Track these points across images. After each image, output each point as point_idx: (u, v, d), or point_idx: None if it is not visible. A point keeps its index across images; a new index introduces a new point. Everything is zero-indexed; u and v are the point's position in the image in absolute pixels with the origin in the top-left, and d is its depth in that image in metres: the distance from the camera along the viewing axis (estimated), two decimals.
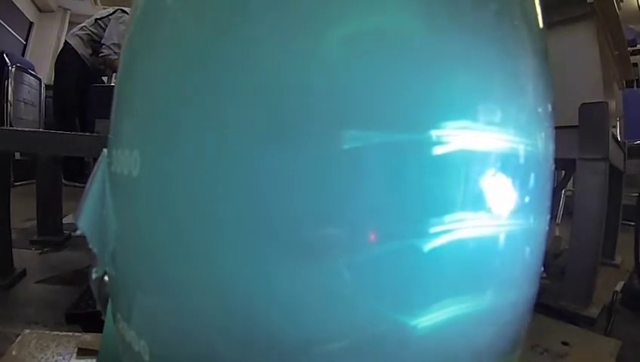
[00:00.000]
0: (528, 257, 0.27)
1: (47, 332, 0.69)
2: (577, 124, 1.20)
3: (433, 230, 0.23)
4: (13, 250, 1.30)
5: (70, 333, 0.68)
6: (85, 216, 0.30)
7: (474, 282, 0.25)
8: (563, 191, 2.27)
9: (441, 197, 0.23)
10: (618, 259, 1.85)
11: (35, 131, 1.87)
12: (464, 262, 0.24)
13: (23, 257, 1.41)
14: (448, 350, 0.25)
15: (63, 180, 1.95)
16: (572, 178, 2.25)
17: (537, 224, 0.27)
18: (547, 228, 0.30)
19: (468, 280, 0.25)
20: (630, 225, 2.59)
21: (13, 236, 1.35)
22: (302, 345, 0.23)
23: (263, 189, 0.22)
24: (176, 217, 0.24)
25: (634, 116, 2.60)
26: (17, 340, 0.65)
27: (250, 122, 0.22)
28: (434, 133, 0.23)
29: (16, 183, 2.99)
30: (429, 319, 0.24)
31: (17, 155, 3.38)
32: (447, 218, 0.23)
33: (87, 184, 0.31)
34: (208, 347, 0.24)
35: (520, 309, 0.28)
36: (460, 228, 0.23)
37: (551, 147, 0.29)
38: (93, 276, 0.30)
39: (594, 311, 1.19)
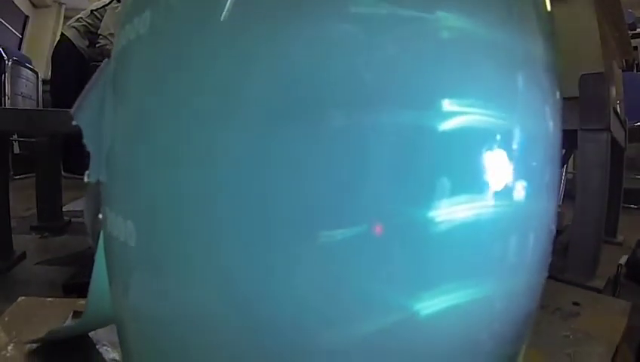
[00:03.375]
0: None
1: (43, 298, 0.68)
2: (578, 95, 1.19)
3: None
4: (13, 235, 1.29)
5: (66, 299, 0.67)
6: (84, 113, 0.29)
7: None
8: (564, 172, 2.26)
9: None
10: (620, 238, 1.84)
11: (34, 109, 1.86)
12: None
13: (23, 241, 1.40)
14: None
15: (63, 172, 1.94)
16: (573, 156, 2.24)
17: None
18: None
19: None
20: (632, 208, 2.59)
21: (14, 223, 1.35)
22: None
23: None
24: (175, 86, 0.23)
25: (634, 99, 2.59)
26: (12, 306, 0.64)
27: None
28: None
29: (16, 177, 2.99)
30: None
31: (16, 149, 3.38)
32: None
33: (88, 86, 0.30)
34: (193, 221, 0.23)
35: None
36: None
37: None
38: (86, 179, 0.30)
39: (599, 283, 1.18)
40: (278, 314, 0.22)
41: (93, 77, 0.30)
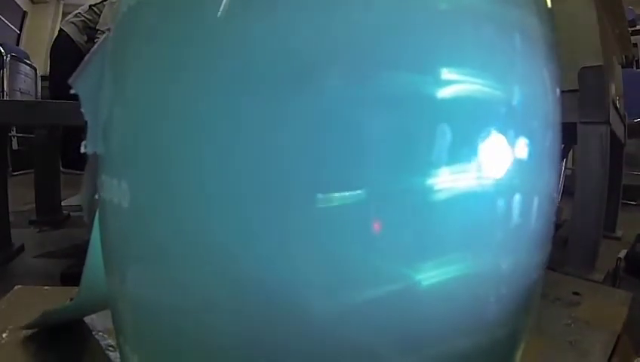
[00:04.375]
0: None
1: (40, 287, 0.67)
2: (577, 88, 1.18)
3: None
4: (11, 229, 1.29)
5: (63, 287, 0.67)
6: (83, 82, 0.29)
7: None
8: (563, 168, 2.26)
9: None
10: (619, 233, 1.84)
11: (33, 100, 1.85)
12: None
13: (21, 235, 1.40)
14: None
15: (62, 168, 1.93)
16: (571, 153, 2.24)
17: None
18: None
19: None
20: (631, 204, 2.59)
21: (12, 218, 1.35)
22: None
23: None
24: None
25: (633, 95, 2.59)
26: (9, 294, 0.64)
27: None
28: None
29: (15, 173, 2.98)
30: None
31: (15, 145, 3.37)
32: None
33: (87, 56, 0.30)
34: (189, 181, 0.23)
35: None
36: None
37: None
38: (82, 150, 0.29)
39: (598, 276, 1.18)
40: (274, 280, 0.22)
41: (94, 48, 0.30)
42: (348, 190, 0.21)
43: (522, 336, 0.30)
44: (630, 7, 3.42)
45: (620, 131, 1.57)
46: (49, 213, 1.66)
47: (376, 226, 0.22)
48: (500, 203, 0.24)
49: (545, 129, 0.26)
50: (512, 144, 0.24)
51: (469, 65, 0.23)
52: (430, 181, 0.22)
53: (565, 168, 2.35)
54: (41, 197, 1.66)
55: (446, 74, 0.22)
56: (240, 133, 0.21)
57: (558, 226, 1.64)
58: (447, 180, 0.22)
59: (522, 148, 0.24)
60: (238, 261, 0.22)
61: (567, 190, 1.96)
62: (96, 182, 0.31)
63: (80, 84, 0.29)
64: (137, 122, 0.25)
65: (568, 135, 1.27)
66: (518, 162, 0.24)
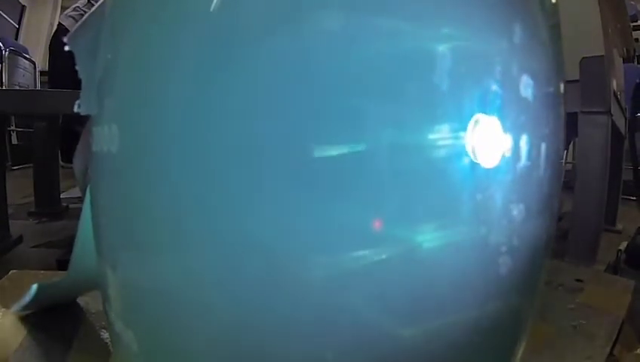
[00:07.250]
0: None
1: (35, 271, 0.67)
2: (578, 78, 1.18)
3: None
4: (10, 220, 1.29)
5: (58, 271, 0.66)
6: (80, 39, 0.28)
7: None
8: (562, 162, 2.25)
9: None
10: (620, 226, 1.84)
11: (32, 90, 1.85)
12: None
13: (20, 226, 1.39)
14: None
15: (61, 162, 1.92)
16: (573, 145, 2.24)
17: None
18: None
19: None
20: (631, 199, 2.59)
21: (11, 210, 1.34)
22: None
23: None
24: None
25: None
26: (3, 279, 0.63)
27: None
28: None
29: (14, 167, 2.98)
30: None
31: (14, 140, 3.36)
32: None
33: (87, 15, 0.29)
34: (177, 127, 0.22)
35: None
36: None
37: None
38: (75, 109, 0.28)
39: (599, 268, 1.18)
40: (265, 242, 0.21)
41: (94, 7, 0.29)
42: (344, 144, 0.20)
43: (530, 311, 0.29)
44: (632, 1, 3.41)
45: (620, 123, 1.57)
46: (48, 205, 1.65)
47: (373, 184, 0.21)
48: (507, 152, 0.23)
49: (548, 76, 0.26)
50: (514, 88, 0.23)
51: (468, 13, 0.22)
52: (432, 135, 0.21)
53: (565, 162, 2.35)
54: (40, 189, 1.66)
55: (446, 23, 0.21)
56: (230, 81, 0.21)
57: (558, 219, 1.64)
58: (450, 134, 0.21)
59: (526, 90, 0.23)
60: (228, 220, 0.21)
61: (567, 184, 1.96)
62: (88, 160, 0.30)
63: (76, 42, 0.28)
64: (133, 72, 0.25)
65: (569, 126, 1.26)
66: (522, 105, 0.23)
